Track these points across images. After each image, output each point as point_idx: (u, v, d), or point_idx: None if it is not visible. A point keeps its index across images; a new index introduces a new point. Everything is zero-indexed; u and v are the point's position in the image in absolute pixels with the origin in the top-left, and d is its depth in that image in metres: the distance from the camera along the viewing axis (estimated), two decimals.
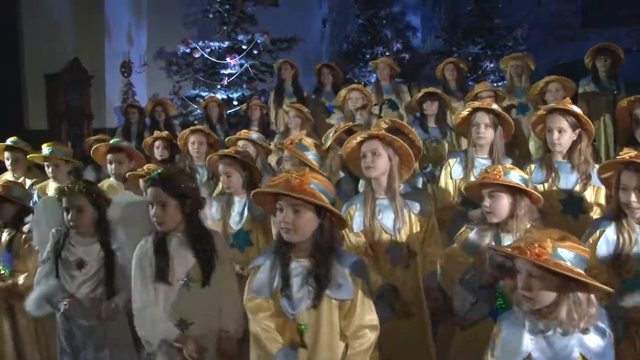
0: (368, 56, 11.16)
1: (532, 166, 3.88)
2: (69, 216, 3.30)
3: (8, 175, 5.24)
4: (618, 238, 2.78)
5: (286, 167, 3.77)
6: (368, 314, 2.55)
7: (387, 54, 11.00)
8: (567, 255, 2.07)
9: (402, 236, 3.29)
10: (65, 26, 8.59)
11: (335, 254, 2.55)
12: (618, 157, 2.85)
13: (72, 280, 3.33)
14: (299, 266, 2.54)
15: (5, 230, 3.94)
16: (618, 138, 4.64)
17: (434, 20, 12.13)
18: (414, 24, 12.30)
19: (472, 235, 3.08)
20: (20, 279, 3.78)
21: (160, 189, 2.89)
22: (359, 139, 3.35)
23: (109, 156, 4.78)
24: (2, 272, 3.86)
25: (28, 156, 5.15)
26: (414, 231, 3.33)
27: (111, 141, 5.18)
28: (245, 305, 2.64)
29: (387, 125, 3.54)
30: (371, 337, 2.54)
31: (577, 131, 3.64)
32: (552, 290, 2.09)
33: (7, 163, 5.30)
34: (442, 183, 4.18)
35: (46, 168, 4.87)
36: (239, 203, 3.84)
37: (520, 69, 6.45)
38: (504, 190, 2.89)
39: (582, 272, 2.08)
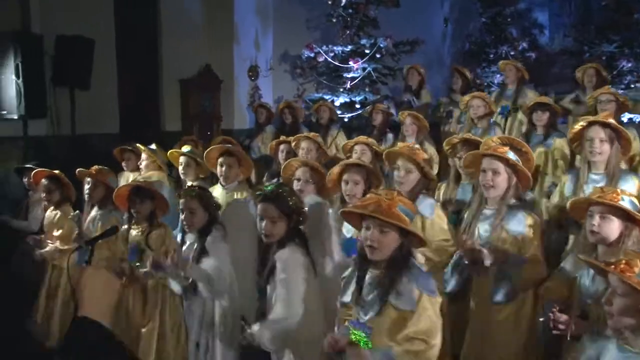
0: (492, 56, 10.89)
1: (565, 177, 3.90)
2: (184, 216, 3.62)
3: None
4: None
5: (401, 174, 3.76)
6: (425, 327, 2.51)
7: (512, 53, 10.65)
8: None
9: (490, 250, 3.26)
10: (198, 35, 9.12)
11: (407, 269, 2.60)
12: None
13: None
14: (372, 276, 2.66)
15: (138, 226, 4.19)
16: None
17: (563, 17, 11.55)
18: (541, 21, 11.81)
19: (568, 261, 3.07)
20: None
21: (272, 205, 3.07)
22: (480, 153, 3.42)
23: (219, 159, 4.71)
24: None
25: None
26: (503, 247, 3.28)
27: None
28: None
29: (500, 142, 3.49)
30: (421, 347, 2.49)
31: None
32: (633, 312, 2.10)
33: (143, 164, 5.67)
34: (553, 199, 4.05)
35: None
36: None
37: None
38: (618, 214, 2.78)
39: None
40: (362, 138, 5.22)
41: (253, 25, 9.63)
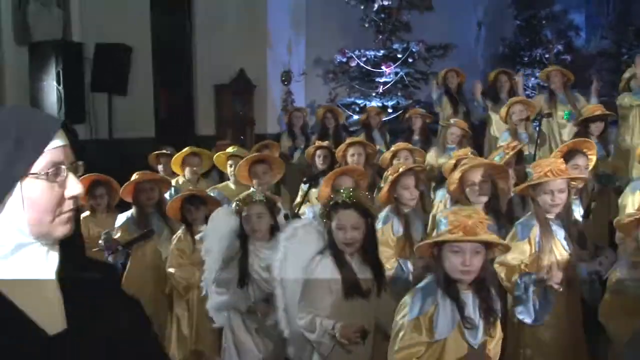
0: (526, 59, 10.74)
1: None
2: (251, 222, 3.50)
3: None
4: None
5: (480, 187, 3.69)
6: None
7: (547, 56, 10.51)
8: None
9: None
10: (232, 41, 9.22)
11: (490, 281, 2.64)
12: None
13: (264, 283, 3.49)
14: (466, 297, 2.53)
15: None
16: None
17: (600, 18, 11.32)
18: (578, 22, 11.58)
19: (619, 274, 2.96)
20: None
21: (356, 213, 2.90)
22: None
23: (253, 168, 4.78)
24: None
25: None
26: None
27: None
28: (399, 354, 2.50)
29: (564, 152, 3.47)
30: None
31: None
32: None
33: (187, 172, 5.59)
34: (627, 210, 3.86)
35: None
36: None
37: None
38: None
39: None
40: (403, 144, 5.22)
41: (286, 30, 9.73)
